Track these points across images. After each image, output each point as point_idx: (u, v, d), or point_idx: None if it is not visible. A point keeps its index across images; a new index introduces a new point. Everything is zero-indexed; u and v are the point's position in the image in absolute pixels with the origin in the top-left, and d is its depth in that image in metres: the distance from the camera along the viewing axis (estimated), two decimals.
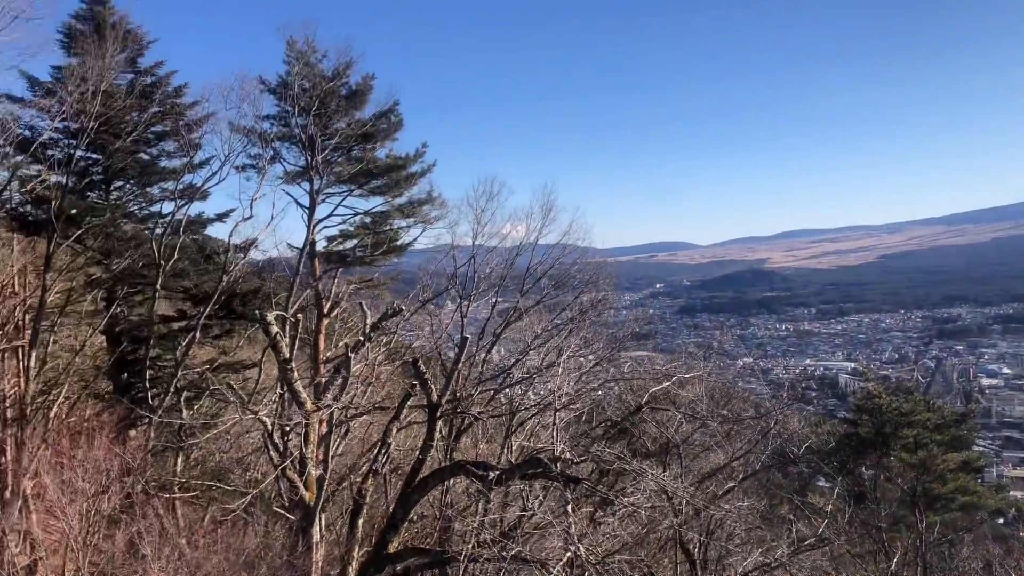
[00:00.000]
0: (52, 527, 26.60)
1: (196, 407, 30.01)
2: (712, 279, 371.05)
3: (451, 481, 24.70)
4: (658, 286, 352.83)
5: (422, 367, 21.90)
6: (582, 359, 29.72)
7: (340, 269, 32.25)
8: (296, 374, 22.53)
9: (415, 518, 25.22)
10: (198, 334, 29.88)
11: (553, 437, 20.39)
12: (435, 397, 21.81)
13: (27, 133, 29.38)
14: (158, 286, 29.67)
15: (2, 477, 26.06)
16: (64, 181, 29.24)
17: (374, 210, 32.29)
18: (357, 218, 32.15)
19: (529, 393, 29.34)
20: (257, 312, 24.71)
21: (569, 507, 17.61)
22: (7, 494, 25.33)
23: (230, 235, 31.14)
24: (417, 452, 22.80)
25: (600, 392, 32.30)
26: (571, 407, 26.61)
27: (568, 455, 18.27)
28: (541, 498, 22.04)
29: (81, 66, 27.53)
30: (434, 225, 32.44)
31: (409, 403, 22.46)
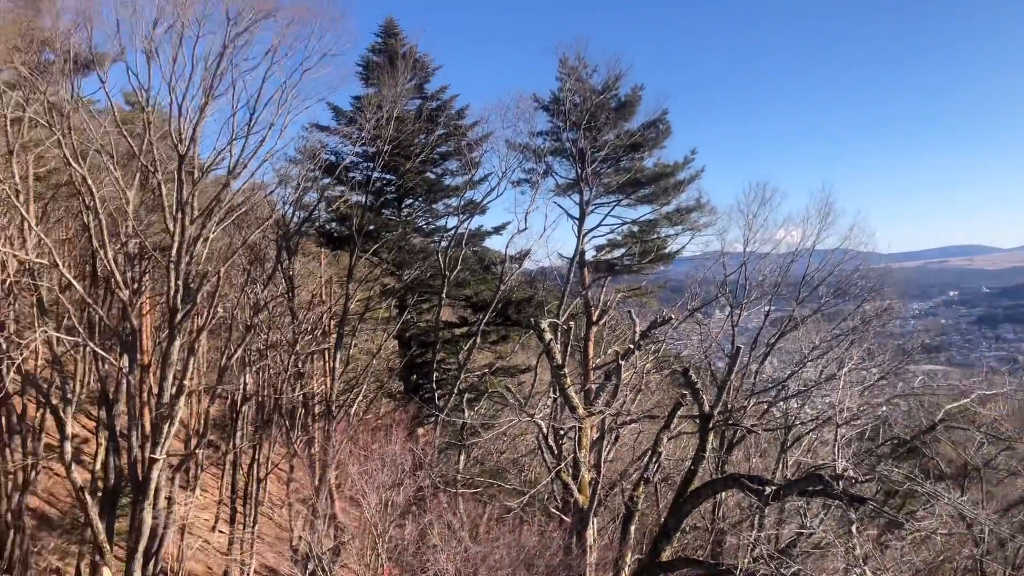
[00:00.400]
0: (351, 514, 29.39)
1: (476, 408, 31.80)
2: (1016, 286, 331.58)
3: (723, 494, 24.24)
4: (951, 294, 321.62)
5: (693, 376, 21.70)
6: (864, 372, 27.86)
7: (608, 278, 32.83)
8: (568, 379, 23.22)
9: (687, 528, 25.02)
10: (478, 339, 31.74)
11: (834, 454, 19.33)
12: (707, 408, 21.51)
13: (332, 158, 32.96)
14: (443, 295, 31.93)
15: (313, 466, 29.24)
16: (363, 200, 32.39)
17: (642, 219, 32.65)
18: (625, 227, 32.70)
19: (806, 407, 28.04)
20: (532, 319, 25.81)
21: (853, 527, 16.64)
22: (316, 482, 28.39)
23: (506, 246, 32.97)
24: (688, 462, 22.60)
25: (885, 408, 30.13)
26: (853, 423, 25.07)
27: (851, 473, 17.26)
28: (822, 516, 21.02)
29: (376, 95, 30.38)
30: (703, 232, 32.13)
31: (680, 413, 22.34)
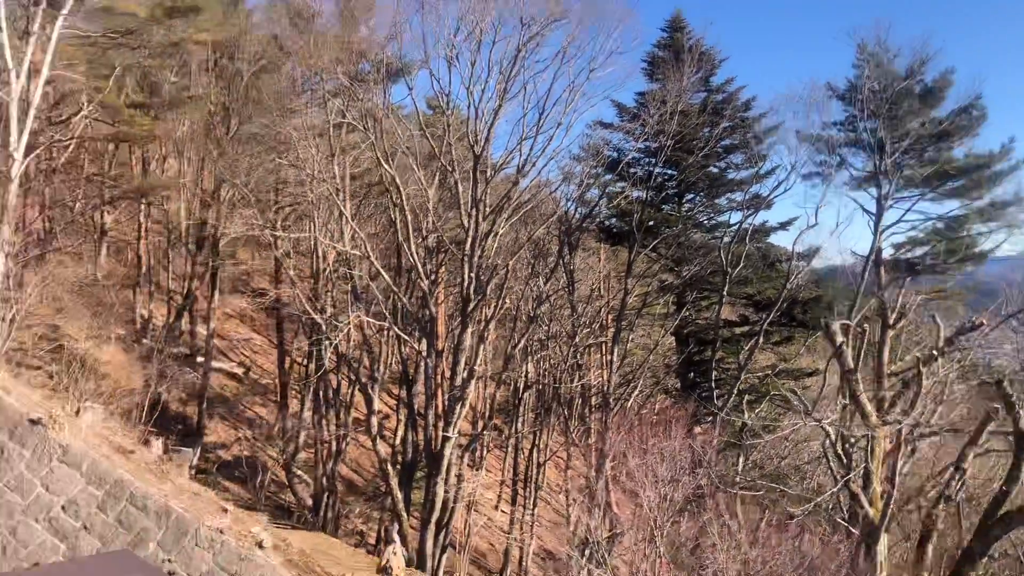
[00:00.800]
0: (626, 506, 29.71)
1: (756, 410, 30.89)
2: None
3: None
4: None
5: (1007, 389, 19.59)
6: None
7: (908, 278, 30.35)
8: (860, 385, 21.88)
9: (995, 555, 22.67)
10: (760, 339, 30.76)
11: None
12: (1023, 424, 19.34)
13: (614, 154, 33.50)
14: (724, 292, 31.26)
15: (590, 456, 29.95)
16: (643, 196, 32.57)
17: (948, 214, 29.82)
18: (928, 223, 30.08)
19: None
20: (820, 320, 24.60)
21: None
22: (593, 471, 29.04)
23: (793, 243, 31.64)
24: (999, 483, 20.50)
25: None
26: None
27: None
28: None
29: (660, 90, 30.39)
30: (1022, 229, 28.82)
31: (989, 428, 20.31)
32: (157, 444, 18.36)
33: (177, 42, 28.65)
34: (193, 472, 25.14)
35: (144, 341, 32.19)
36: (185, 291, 34.81)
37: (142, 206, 35.25)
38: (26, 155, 20.98)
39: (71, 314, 27.21)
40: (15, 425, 13.44)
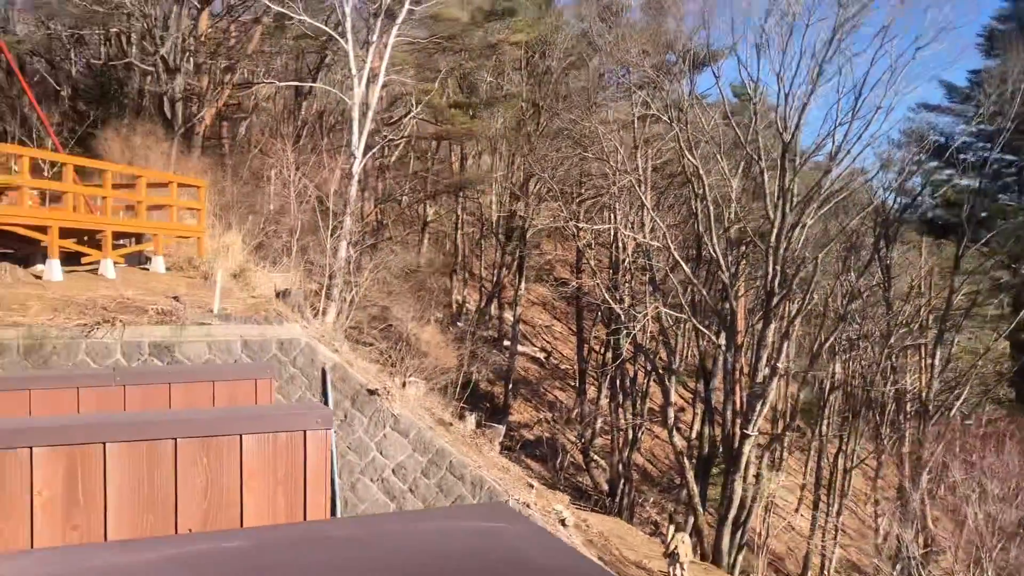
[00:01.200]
0: (943, 524, 27.16)
1: None
2: None
3: None
4: None
5: None
6: None
7: None
8: None
9: None
10: None
11: None
12: None
13: (940, 140, 30.66)
14: None
15: (903, 466, 27.73)
16: (976, 184, 29.49)
17: None
18: None
19: None
20: None
21: None
22: (907, 483, 26.86)
23: None
24: None
25: None
26: None
27: None
28: None
29: (1000, 67, 27.32)
30: None
31: None
32: (471, 419, 19.77)
33: (494, 44, 30.48)
34: (499, 448, 26.76)
35: (458, 324, 34.69)
36: (495, 279, 36.97)
37: (459, 199, 37.97)
38: (364, 154, 23.41)
39: (398, 297, 30.01)
40: (355, 394, 15.11)
